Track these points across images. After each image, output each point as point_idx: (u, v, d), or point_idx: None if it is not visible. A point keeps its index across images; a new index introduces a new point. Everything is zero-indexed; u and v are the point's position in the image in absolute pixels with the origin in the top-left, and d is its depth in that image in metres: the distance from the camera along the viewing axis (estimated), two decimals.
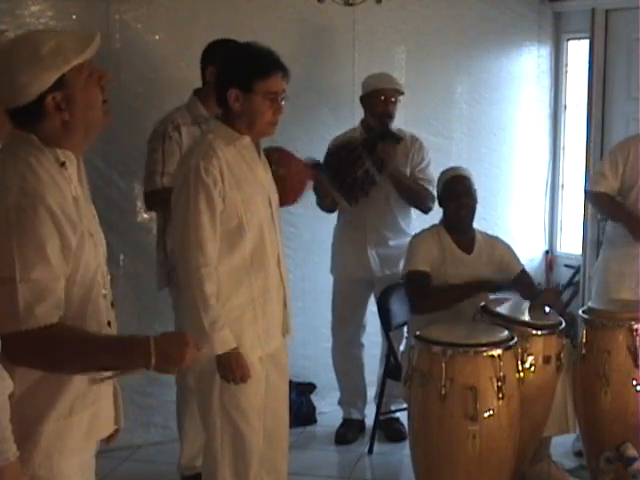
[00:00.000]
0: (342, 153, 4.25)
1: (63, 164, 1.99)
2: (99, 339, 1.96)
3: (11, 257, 1.87)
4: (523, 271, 4.18)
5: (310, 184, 3.79)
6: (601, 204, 4.47)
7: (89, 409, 2.05)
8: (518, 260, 4.21)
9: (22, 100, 1.95)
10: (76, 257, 1.95)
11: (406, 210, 4.52)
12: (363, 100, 4.48)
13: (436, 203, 4.29)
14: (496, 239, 4.23)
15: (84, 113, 2.00)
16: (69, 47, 1.97)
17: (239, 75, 2.91)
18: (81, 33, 2.07)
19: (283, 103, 2.96)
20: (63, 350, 1.92)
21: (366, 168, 4.21)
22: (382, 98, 4.39)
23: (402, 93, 4.46)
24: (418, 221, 4.53)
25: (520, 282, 4.11)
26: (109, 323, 2.10)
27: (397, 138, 4.34)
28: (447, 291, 3.96)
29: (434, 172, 4.43)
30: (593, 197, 4.44)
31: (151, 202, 3.91)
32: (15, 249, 1.87)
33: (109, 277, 2.13)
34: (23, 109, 1.96)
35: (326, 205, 4.47)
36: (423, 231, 4.19)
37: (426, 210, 4.45)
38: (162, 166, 3.76)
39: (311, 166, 3.89)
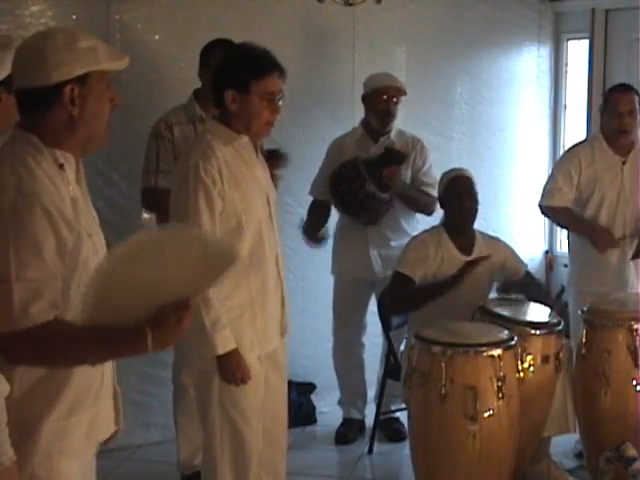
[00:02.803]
0: (344, 178, 4.24)
1: (61, 166, 1.99)
2: (95, 332, 1.95)
3: (6, 257, 1.87)
4: (527, 272, 4.19)
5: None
6: (560, 217, 4.53)
7: (89, 410, 2.06)
8: (521, 261, 4.21)
9: (43, 81, 1.95)
10: (73, 257, 1.95)
11: (408, 211, 4.51)
12: (365, 99, 4.47)
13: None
14: (497, 240, 4.23)
15: (91, 118, 2.01)
16: (103, 52, 2.01)
17: (235, 76, 2.91)
18: (115, 49, 2.14)
19: (280, 103, 2.96)
20: (59, 346, 1.92)
21: (369, 191, 4.21)
22: (384, 97, 4.38)
23: (404, 93, 4.46)
24: (420, 221, 4.53)
25: (527, 284, 4.13)
26: None
27: (401, 158, 4.33)
28: (416, 292, 3.99)
29: (435, 172, 4.44)
30: (550, 211, 4.50)
31: (146, 200, 3.98)
32: (11, 249, 1.87)
33: None
34: (37, 91, 1.96)
35: (313, 240, 4.47)
36: (423, 233, 4.18)
37: (430, 214, 4.46)
38: (156, 164, 3.86)
39: (268, 156, 3.77)
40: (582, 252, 4.45)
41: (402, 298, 4.02)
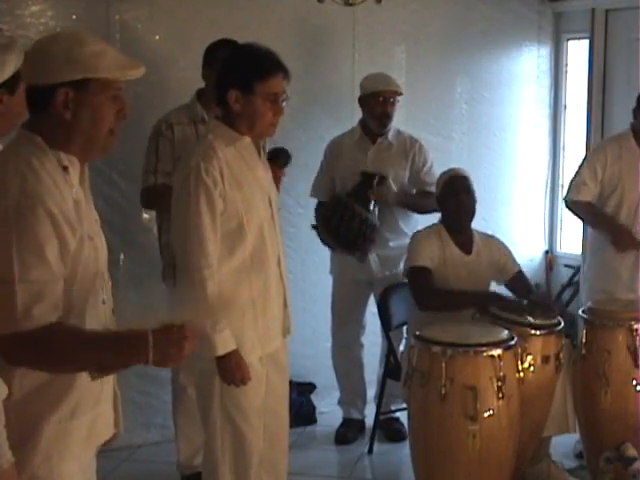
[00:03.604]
0: (332, 215, 4.22)
1: (65, 168, 1.99)
2: (97, 337, 1.96)
3: (10, 258, 1.87)
4: (520, 272, 4.19)
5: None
6: (583, 213, 4.49)
7: (89, 413, 2.06)
8: (515, 261, 4.20)
9: (40, 80, 1.96)
10: (75, 260, 1.95)
11: (406, 211, 4.51)
12: (361, 101, 4.48)
13: None
14: (493, 238, 4.22)
15: (87, 125, 2.00)
16: (110, 60, 2.00)
17: (239, 76, 2.91)
18: (129, 59, 2.09)
19: (284, 104, 2.96)
20: (61, 349, 1.92)
21: (361, 217, 4.18)
22: (380, 99, 4.39)
23: (401, 94, 4.46)
24: (420, 221, 4.53)
25: (516, 283, 4.12)
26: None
27: (380, 179, 4.31)
28: (456, 295, 3.93)
29: (436, 172, 4.44)
30: (575, 206, 4.46)
31: (145, 199, 3.97)
32: (14, 250, 1.87)
33: (110, 283, 2.13)
34: (36, 90, 1.97)
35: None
36: (424, 229, 4.18)
37: (437, 211, 4.45)
38: (155, 164, 3.85)
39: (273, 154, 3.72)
40: (598, 252, 4.41)
41: (443, 295, 3.94)
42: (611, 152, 4.33)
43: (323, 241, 4.41)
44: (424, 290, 3.97)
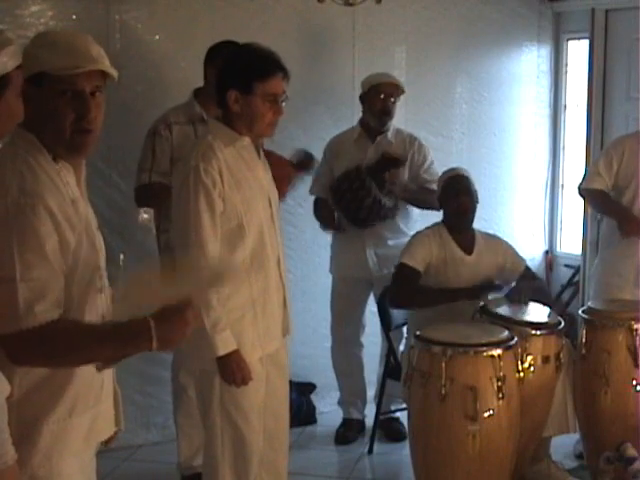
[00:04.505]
0: (349, 183, 4.26)
1: (54, 158, 1.99)
2: (100, 330, 1.96)
3: (11, 256, 1.87)
4: (527, 268, 4.19)
5: (295, 179, 3.93)
6: (594, 199, 4.50)
7: (90, 411, 2.06)
8: (520, 258, 4.20)
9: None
10: (75, 256, 1.96)
11: (405, 210, 4.51)
12: (362, 98, 4.48)
13: None
14: (496, 239, 4.22)
15: (45, 120, 1.99)
16: (55, 55, 1.97)
17: (239, 76, 2.91)
18: (85, 55, 2.01)
19: (283, 105, 2.96)
20: (65, 345, 1.92)
21: (375, 196, 4.22)
22: (381, 96, 4.39)
23: (403, 91, 4.46)
24: (419, 221, 4.53)
25: (536, 289, 4.09)
26: None
27: (399, 162, 4.35)
28: (428, 293, 3.97)
29: (435, 170, 4.45)
30: (586, 194, 4.48)
31: (139, 197, 3.96)
32: (15, 248, 1.87)
33: (106, 273, 2.13)
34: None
35: (331, 229, 4.54)
36: (426, 229, 4.17)
37: (438, 209, 4.45)
38: (151, 163, 3.84)
39: (298, 160, 4.00)
40: (610, 246, 4.41)
41: (412, 295, 3.99)
42: (630, 147, 4.32)
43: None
44: (401, 287, 4.01)
